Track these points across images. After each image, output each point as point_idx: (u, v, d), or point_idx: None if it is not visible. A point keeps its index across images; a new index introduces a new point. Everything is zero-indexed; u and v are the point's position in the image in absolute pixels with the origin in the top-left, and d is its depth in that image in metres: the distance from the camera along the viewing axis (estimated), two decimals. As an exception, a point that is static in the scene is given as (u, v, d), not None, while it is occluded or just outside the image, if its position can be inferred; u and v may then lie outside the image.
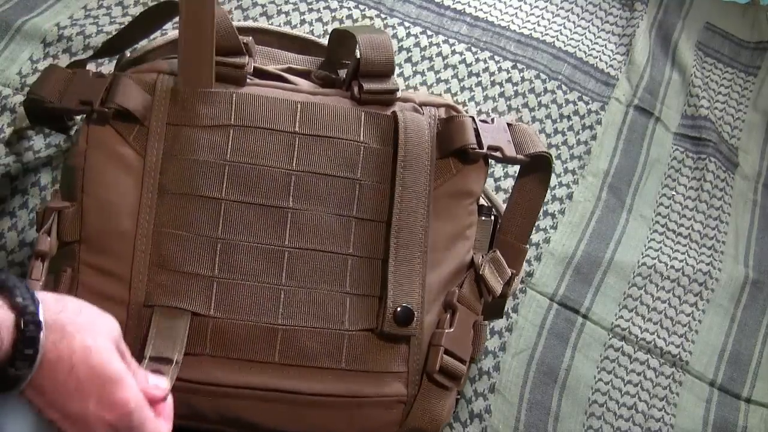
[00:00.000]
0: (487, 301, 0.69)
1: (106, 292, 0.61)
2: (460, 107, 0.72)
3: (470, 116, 0.69)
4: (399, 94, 0.70)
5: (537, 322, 0.87)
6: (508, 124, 0.71)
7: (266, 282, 0.63)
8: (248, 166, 0.63)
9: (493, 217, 0.72)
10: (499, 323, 0.85)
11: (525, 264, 0.89)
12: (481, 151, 0.67)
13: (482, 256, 0.69)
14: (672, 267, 0.95)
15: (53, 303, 0.49)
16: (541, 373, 0.84)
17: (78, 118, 0.78)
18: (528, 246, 0.74)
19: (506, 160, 0.70)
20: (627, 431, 0.84)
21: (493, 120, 0.70)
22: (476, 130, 0.68)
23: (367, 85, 0.68)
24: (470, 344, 0.67)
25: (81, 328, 0.49)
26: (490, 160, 0.70)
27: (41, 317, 0.46)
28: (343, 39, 0.75)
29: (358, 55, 0.69)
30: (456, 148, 0.67)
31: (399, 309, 0.63)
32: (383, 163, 0.66)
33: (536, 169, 0.71)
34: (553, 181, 0.97)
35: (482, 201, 0.73)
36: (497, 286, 0.69)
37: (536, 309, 0.88)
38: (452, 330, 0.65)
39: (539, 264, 0.91)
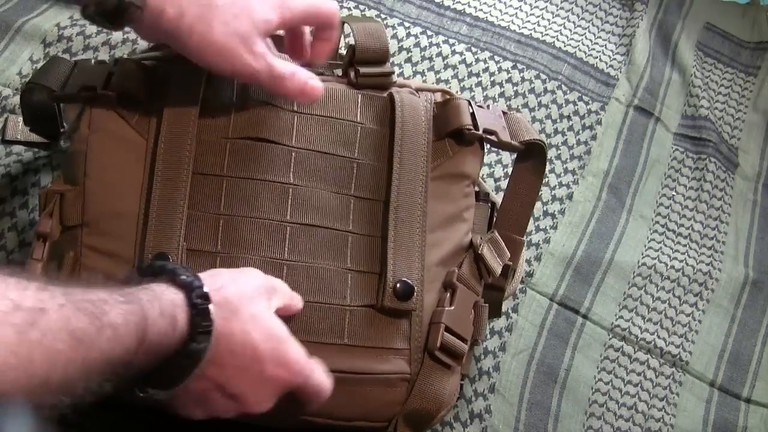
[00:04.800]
0: (487, 281, 0.69)
1: (109, 274, 0.60)
2: (455, 93, 0.72)
3: (466, 99, 0.70)
4: (394, 78, 0.71)
5: (537, 322, 0.87)
6: (503, 112, 0.72)
7: (269, 256, 0.63)
8: (249, 142, 0.64)
9: (490, 204, 0.72)
10: (499, 323, 0.85)
11: (525, 264, 0.89)
12: (476, 132, 0.68)
13: (481, 238, 0.69)
14: (672, 267, 0.95)
15: (211, 280, 0.52)
16: (541, 373, 0.84)
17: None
18: (525, 238, 0.74)
19: (501, 145, 0.70)
20: (627, 431, 0.84)
21: (488, 106, 0.71)
22: (472, 114, 0.69)
23: (363, 69, 0.69)
24: (471, 324, 0.67)
25: (242, 297, 0.53)
26: (488, 160, 0.70)
27: (207, 290, 0.50)
28: None
29: (353, 43, 0.70)
30: (452, 130, 0.68)
31: (399, 284, 0.63)
32: (380, 143, 0.67)
33: (531, 157, 0.71)
34: (553, 181, 0.97)
35: (478, 189, 0.74)
36: (496, 267, 0.69)
37: (536, 309, 0.88)
38: (452, 308, 0.65)
39: (539, 264, 0.91)
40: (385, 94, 0.69)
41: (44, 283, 0.41)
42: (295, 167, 0.65)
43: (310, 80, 0.62)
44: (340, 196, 0.65)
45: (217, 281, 0.53)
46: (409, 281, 0.64)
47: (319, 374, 0.57)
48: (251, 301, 0.54)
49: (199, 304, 0.49)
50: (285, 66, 0.61)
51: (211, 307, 0.50)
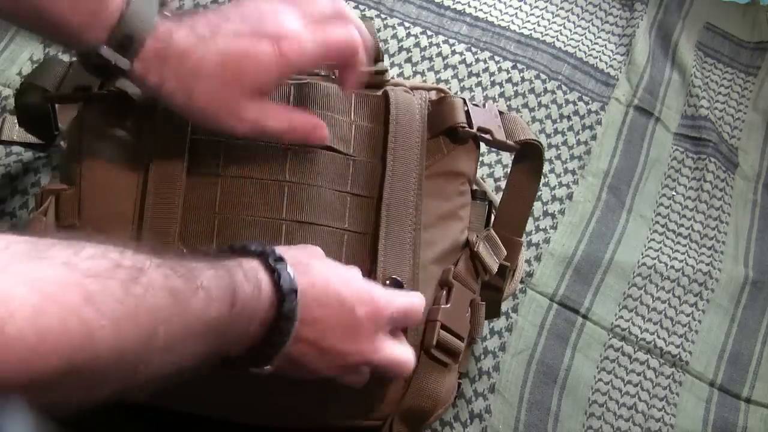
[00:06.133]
0: (484, 279, 0.69)
1: None
2: (450, 91, 0.72)
3: (461, 98, 0.70)
4: (388, 76, 0.71)
5: (537, 322, 0.87)
6: (500, 112, 0.71)
7: None
8: (244, 141, 0.64)
9: (487, 203, 0.72)
10: (499, 323, 0.85)
11: (525, 264, 0.89)
12: (471, 130, 0.68)
13: (477, 235, 0.69)
14: (672, 267, 0.95)
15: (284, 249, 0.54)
16: (541, 373, 0.84)
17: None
18: (525, 238, 0.74)
19: (496, 144, 0.70)
20: (627, 431, 0.84)
21: (484, 105, 0.71)
22: (467, 112, 0.69)
23: None
24: (467, 322, 0.67)
25: (312, 258, 0.56)
26: (488, 160, 0.70)
27: (280, 254, 0.52)
28: None
29: None
30: (446, 128, 0.68)
31: (388, 281, 0.63)
32: (375, 141, 0.67)
33: (527, 158, 0.71)
34: (553, 181, 0.97)
35: (476, 187, 0.73)
36: (493, 264, 0.69)
37: (536, 309, 0.88)
38: (449, 306, 0.65)
39: (539, 264, 0.91)
40: (379, 93, 0.69)
41: (139, 249, 0.43)
42: (290, 164, 0.64)
43: (315, 129, 0.62)
44: (337, 193, 0.65)
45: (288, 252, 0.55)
46: (399, 279, 0.63)
47: (401, 301, 0.59)
48: (323, 262, 0.57)
49: (277, 265, 0.51)
50: (280, 122, 0.60)
51: (289, 268, 0.52)
